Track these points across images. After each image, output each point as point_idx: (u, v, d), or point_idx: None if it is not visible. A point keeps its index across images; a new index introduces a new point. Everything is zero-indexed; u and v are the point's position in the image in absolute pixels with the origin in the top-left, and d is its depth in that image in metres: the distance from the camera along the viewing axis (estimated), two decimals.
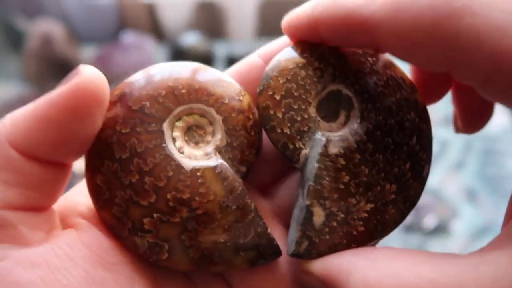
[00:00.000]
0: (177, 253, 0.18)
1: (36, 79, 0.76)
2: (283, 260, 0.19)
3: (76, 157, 0.17)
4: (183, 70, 0.20)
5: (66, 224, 0.17)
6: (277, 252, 0.18)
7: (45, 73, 0.74)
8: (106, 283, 0.16)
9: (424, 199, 0.50)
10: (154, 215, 0.17)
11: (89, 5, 0.87)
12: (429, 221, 0.47)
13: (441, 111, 0.62)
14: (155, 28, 0.94)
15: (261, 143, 0.20)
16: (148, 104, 0.18)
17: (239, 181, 0.18)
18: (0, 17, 0.79)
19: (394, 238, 0.46)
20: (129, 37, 0.86)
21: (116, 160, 0.18)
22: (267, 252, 0.18)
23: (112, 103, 0.18)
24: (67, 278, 0.15)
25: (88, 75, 0.16)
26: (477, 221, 0.46)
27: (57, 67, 0.74)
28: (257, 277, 0.19)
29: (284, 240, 0.20)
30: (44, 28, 0.78)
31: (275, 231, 0.20)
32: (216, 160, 0.18)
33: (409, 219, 0.48)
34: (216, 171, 0.18)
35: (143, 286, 0.17)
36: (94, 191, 0.18)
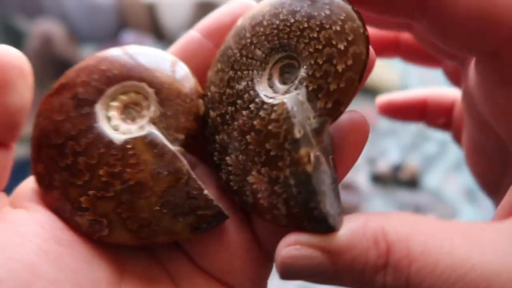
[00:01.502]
0: (116, 228, 0.17)
1: (36, 78, 0.79)
2: (235, 228, 0.18)
3: (11, 134, 0.17)
4: (116, 52, 0.20)
5: (16, 207, 0.18)
6: (220, 214, 0.17)
7: (45, 73, 0.71)
8: (62, 258, 0.16)
9: (424, 199, 0.45)
10: (90, 192, 0.17)
11: (89, 5, 0.86)
12: None
13: None
14: (155, 28, 0.94)
15: (199, 109, 0.19)
16: (81, 89, 0.19)
17: (170, 147, 0.18)
18: (0, 16, 0.80)
19: None
20: (129, 37, 0.86)
21: (53, 146, 0.18)
22: (207, 214, 0.17)
23: (50, 96, 0.19)
24: (19, 253, 0.15)
25: (4, 48, 0.17)
26: (477, 221, 0.41)
27: (57, 67, 0.72)
28: (208, 243, 0.18)
29: (234, 210, 0.18)
30: (44, 28, 0.75)
31: (224, 203, 0.18)
32: (147, 130, 0.18)
33: None
34: (146, 140, 0.18)
35: (103, 263, 0.17)
36: (37, 179, 0.18)
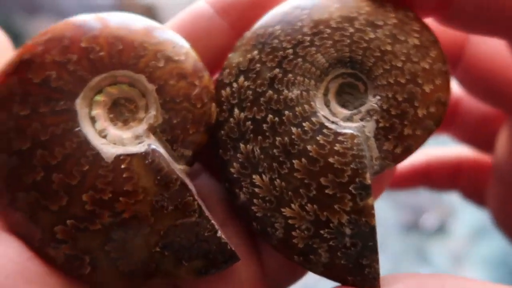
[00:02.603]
0: (103, 267, 0.14)
1: None
2: (241, 263, 0.16)
3: None
4: (102, 22, 0.15)
5: None
6: (232, 258, 0.14)
7: None
8: None
9: (423, 199, 0.46)
10: (68, 222, 0.13)
11: (89, 5, 0.82)
12: (429, 221, 0.45)
13: None
14: None
15: (212, 116, 0.15)
16: (54, 74, 0.14)
17: (177, 173, 0.14)
18: None
19: (394, 239, 0.44)
20: None
21: (15, 153, 0.13)
22: (218, 259, 0.14)
23: (6, 76, 0.14)
24: None
25: None
26: (477, 221, 0.44)
27: None
28: (210, 281, 0.15)
29: (242, 238, 0.16)
30: (42, 28, 0.73)
31: (232, 228, 0.16)
32: (147, 146, 0.14)
33: (408, 219, 0.46)
34: (147, 161, 0.14)
35: None
36: None
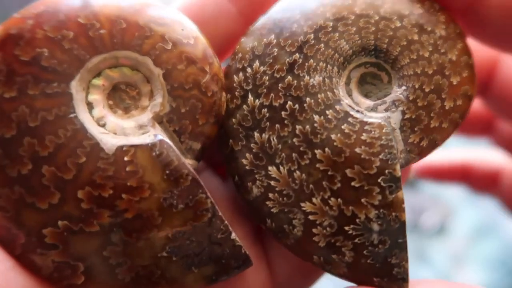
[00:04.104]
0: (99, 276, 0.12)
1: None
2: (250, 269, 0.14)
3: None
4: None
5: None
6: (245, 263, 0.13)
7: None
8: None
9: (423, 199, 0.46)
10: (60, 223, 0.12)
11: None
12: (429, 221, 0.46)
13: None
14: None
15: (222, 107, 0.14)
16: (46, 52, 0.12)
17: (188, 168, 0.12)
18: None
19: None
20: None
21: None
22: (231, 265, 0.13)
23: None
24: None
25: None
26: (477, 221, 0.45)
27: None
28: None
29: (251, 241, 0.14)
30: None
31: (240, 229, 0.14)
32: (153, 136, 0.12)
33: (408, 219, 0.47)
34: (154, 153, 0.12)
35: None
36: None
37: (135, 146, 0.12)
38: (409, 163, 0.13)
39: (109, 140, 0.12)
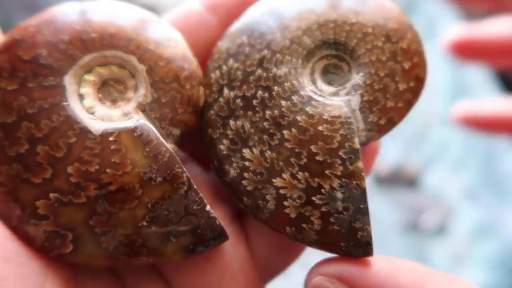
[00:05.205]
0: (86, 245, 0.13)
1: None
2: (228, 245, 0.15)
3: None
4: (97, 9, 0.15)
5: None
6: (221, 235, 0.14)
7: None
8: (5, 280, 0.12)
9: (423, 199, 0.46)
10: (51, 195, 0.13)
11: None
12: (429, 221, 0.46)
13: (440, 111, 0.58)
14: None
15: (200, 99, 0.15)
16: (44, 52, 0.14)
17: (167, 146, 0.14)
18: None
19: (393, 239, 0.44)
20: None
21: None
22: (206, 235, 0.14)
23: None
24: None
25: None
26: (477, 221, 0.45)
27: None
28: (196, 269, 0.15)
29: (229, 221, 0.15)
30: None
31: (219, 211, 0.15)
32: (136, 120, 0.14)
33: (408, 219, 0.46)
34: (135, 134, 0.14)
35: (57, 284, 0.13)
36: None
37: (119, 129, 0.14)
38: (370, 140, 0.14)
39: (96, 124, 0.14)
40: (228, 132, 0.15)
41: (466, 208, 0.45)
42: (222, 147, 0.15)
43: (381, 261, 0.13)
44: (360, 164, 0.13)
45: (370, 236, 0.13)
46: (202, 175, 0.16)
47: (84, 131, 0.13)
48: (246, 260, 0.15)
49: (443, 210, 0.46)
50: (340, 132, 0.14)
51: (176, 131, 0.14)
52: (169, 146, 0.14)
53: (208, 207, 0.14)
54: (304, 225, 0.14)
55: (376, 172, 0.51)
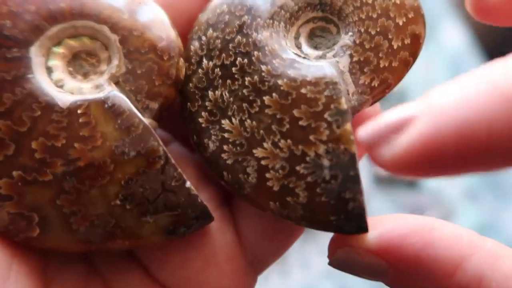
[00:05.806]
0: (54, 227, 0.12)
1: None
2: (214, 231, 0.14)
3: None
4: None
5: None
6: (204, 215, 0.13)
7: None
8: None
9: (423, 199, 0.45)
10: (14, 173, 0.12)
11: None
12: None
13: None
14: None
15: (180, 71, 0.14)
16: (8, 23, 0.13)
17: (141, 117, 0.13)
18: None
19: None
20: None
21: None
22: (187, 215, 0.12)
23: None
24: None
25: None
26: (477, 221, 0.43)
27: None
28: (178, 257, 0.13)
29: (216, 204, 0.14)
30: None
31: (205, 193, 0.14)
32: (107, 92, 0.13)
33: None
34: (106, 105, 0.12)
35: (24, 274, 0.12)
36: None
37: (89, 100, 0.12)
38: (362, 105, 0.13)
39: (64, 97, 0.12)
40: (207, 103, 0.14)
41: (466, 208, 0.44)
42: (200, 120, 0.14)
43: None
44: (348, 126, 0.12)
45: (362, 208, 0.12)
46: (187, 155, 0.15)
47: (50, 104, 0.12)
48: (233, 246, 0.14)
49: (443, 210, 0.45)
50: (325, 94, 0.12)
51: (154, 105, 0.13)
52: (146, 121, 0.13)
53: (188, 184, 0.12)
54: (288, 199, 0.12)
55: (376, 172, 0.50)
